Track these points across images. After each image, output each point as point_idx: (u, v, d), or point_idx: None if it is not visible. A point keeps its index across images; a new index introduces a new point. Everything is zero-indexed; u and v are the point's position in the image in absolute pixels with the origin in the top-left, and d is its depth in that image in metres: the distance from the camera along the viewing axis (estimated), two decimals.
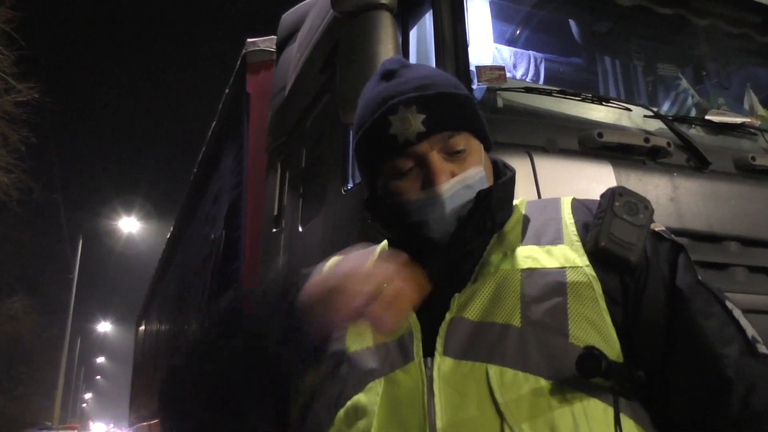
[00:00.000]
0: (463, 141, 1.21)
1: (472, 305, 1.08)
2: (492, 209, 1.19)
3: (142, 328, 16.39)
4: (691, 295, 1.11)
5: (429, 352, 1.05)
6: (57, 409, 30.14)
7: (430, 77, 1.28)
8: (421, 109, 1.19)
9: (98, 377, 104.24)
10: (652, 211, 1.18)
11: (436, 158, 1.19)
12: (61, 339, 28.76)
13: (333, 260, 1.33)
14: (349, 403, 1.06)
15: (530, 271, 1.11)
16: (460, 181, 1.19)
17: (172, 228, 11.75)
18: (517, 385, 1.00)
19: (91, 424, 75.48)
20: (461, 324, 1.06)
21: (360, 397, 1.05)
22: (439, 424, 0.97)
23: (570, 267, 1.11)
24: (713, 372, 1.04)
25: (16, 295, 25.26)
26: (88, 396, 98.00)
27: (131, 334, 21.89)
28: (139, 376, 15.91)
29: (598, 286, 1.10)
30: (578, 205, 1.24)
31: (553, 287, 1.09)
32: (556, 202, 1.27)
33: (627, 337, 1.10)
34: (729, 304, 1.12)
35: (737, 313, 1.11)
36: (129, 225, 31.48)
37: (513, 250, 1.16)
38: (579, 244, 1.15)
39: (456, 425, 0.97)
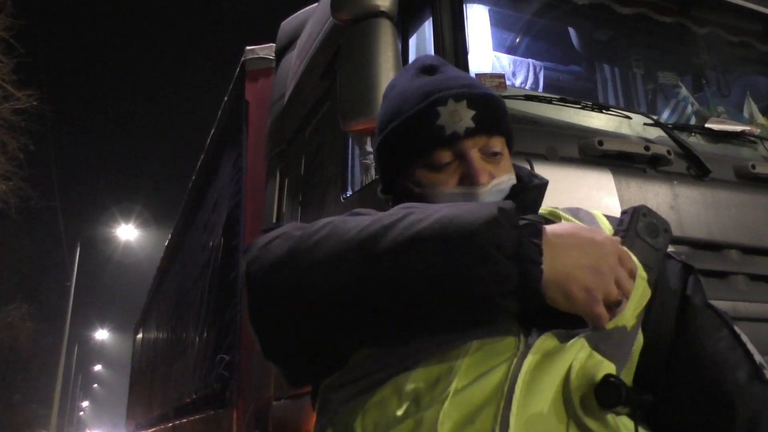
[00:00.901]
0: (500, 144, 1.23)
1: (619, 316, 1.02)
2: (525, 206, 1.17)
3: (140, 336, 16.35)
4: (699, 317, 1.11)
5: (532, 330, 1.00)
6: (54, 418, 29.96)
7: (472, 78, 1.31)
8: (471, 105, 1.20)
9: (95, 385, 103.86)
10: (671, 235, 1.17)
11: (477, 156, 1.20)
12: (59, 346, 28.60)
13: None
14: (434, 359, 0.98)
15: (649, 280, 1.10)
16: (497, 184, 1.19)
17: (170, 236, 11.74)
18: (597, 369, 0.95)
19: None
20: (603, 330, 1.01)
21: (449, 353, 0.98)
22: (519, 382, 0.93)
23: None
24: (718, 396, 1.04)
25: (14, 302, 25.21)
26: (85, 404, 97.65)
27: (129, 342, 21.85)
28: (136, 384, 15.86)
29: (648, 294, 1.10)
30: (610, 218, 1.25)
31: (647, 294, 1.09)
32: (590, 216, 1.26)
33: None
34: (737, 329, 1.12)
35: (745, 338, 1.11)
36: (127, 233, 31.36)
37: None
38: None
39: (532, 398, 0.93)
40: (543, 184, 1.28)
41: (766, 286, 2.38)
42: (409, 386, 0.97)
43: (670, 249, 1.20)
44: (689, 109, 3.00)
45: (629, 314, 1.03)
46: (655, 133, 2.57)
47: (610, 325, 0.98)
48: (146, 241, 31.81)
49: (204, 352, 6.18)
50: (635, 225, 1.13)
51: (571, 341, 0.98)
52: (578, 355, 0.96)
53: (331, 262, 1.00)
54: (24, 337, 27.46)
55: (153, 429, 11.09)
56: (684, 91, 3.07)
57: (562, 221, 1.20)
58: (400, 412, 0.96)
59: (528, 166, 2.12)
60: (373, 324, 1.01)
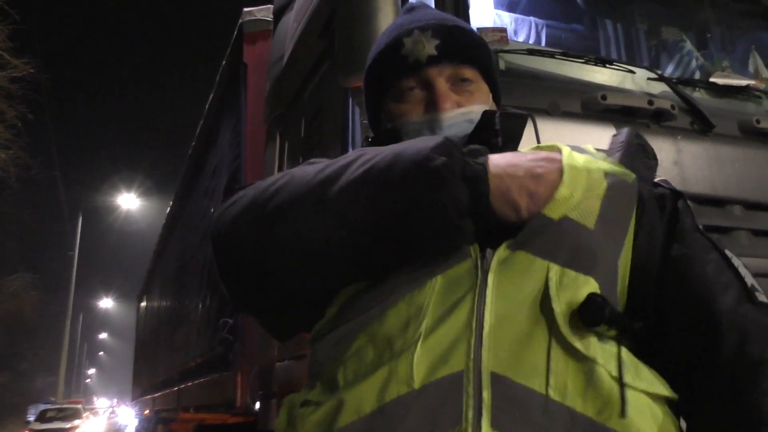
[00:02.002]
0: (471, 74, 1.24)
1: (554, 203, 1.02)
2: (498, 132, 1.18)
3: (144, 303, 16.47)
4: (688, 240, 1.10)
5: (490, 246, 1.01)
6: (61, 385, 30.39)
7: (449, 15, 1.35)
8: (436, 35, 1.22)
9: (101, 353, 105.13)
10: (657, 162, 1.18)
11: (442, 84, 1.21)
12: (63, 316, 28.91)
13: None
14: (401, 300, 1.00)
15: (614, 175, 1.08)
16: (464, 113, 1.20)
17: (171, 203, 11.74)
18: (575, 287, 0.97)
19: (95, 399, 76.23)
20: (540, 219, 1.01)
21: (415, 293, 1.00)
22: (487, 315, 0.94)
23: (633, 181, 1.09)
24: (706, 318, 1.02)
25: (17, 272, 25.36)
26: (91, 372, 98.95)
27: (133, 310, 22.01)
28: (141, 350, 16.02)
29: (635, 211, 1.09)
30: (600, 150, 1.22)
31: (627, 196, 1.08)
32: (578, 146, 1.23)
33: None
34: (728, 252, 1.10)
35: (736, 262, 1.09)
36: (129, 201, 31.46)
37: (588, 158, 1.10)
38: None
39: (504, 320, 0.94)
40: (520, 115, 1.29)
41: None
42: (382, 332, 0.99)
43: (662, 177, 1.20)
44: (693, 63, 2.97)
45: (580, 207, 1.02)
46: (658, 87, 2.54)
47: (551, 213, 1.01)
48: (148, 209, 31.93)
49: (207, 316, 6.22)
50: (631, 141, 1.16)
51: (523, 258, 0.99)
52: (550, 275, 0.97)
53: (288, 209, 1.04)
54: (29, 307, 27.70)
55: (159, 394, 11.23)
56: (688, 46, 3.04)
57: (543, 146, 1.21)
58: (375, 360, 0.97)
59: (530, 121, 2.11)
60: (339, 264, 1.05)
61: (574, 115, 2.23)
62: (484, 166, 1.01)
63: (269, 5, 5.00)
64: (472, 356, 0.91)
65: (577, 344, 0.93)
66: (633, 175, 1.10)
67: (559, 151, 1.10)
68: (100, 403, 72.70)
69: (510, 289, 0.96)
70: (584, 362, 0.92)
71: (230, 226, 1.10)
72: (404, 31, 1.24)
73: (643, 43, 3.32)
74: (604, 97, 2.27)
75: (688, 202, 2.22)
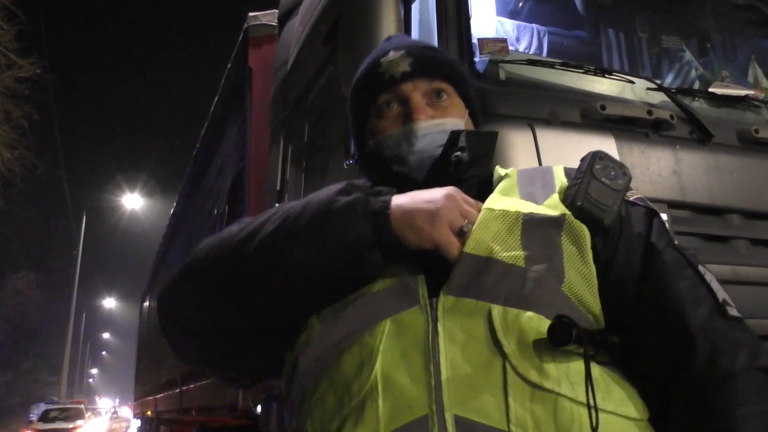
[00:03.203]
0: (445, 89, 1.31)
1: (476, 243, 1.09)
2: (464, 149, 1.24)
3: (147, 303, 16.48)
4: (663, 257, 1.14)
5: (434, 293, 1.06)
6: (63, 385, 30.40)
7: (423, 41, 1.47)
8: (410, 54, 1.30)
9: (104, 353, 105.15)
10: (630, 178, 1.21)
11: (417, 97, 1.28)
12: (67, 315, 28.93)
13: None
14: (354, 343, 1.05)
15: (531, 215, 1.13)
16: (438, 124, 1.26)
17: (175, 203, 11.77)
18: (519, 324, 1.00)
19: (97, 399, 76.26)
20: (468, 260, 1.07)
21: (366, 337, 1.05)
22: (442, 360, 0.98)
23: (568, 215, 1.14)
24: (680, 332, 1.06)
25: (21, 270, 25.41)
26: (94, 371, 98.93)
27: (136, 310, 22.03)
28: (144, 351, 16.03)
29: (588, 239, 1.13)
30: (569, 170, 1.27)
31: (552, 233, 1.11)
32: (548, 168, 1.31)
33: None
34: (701, 268, 1.15)
35: (709, 277, 1.13)
36: (133, 201, 31.53)
37: (513, 202, 1.17)
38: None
39: (459, 364, 0.97)
40: (487, 132, 1.36)
41: (767, 250, 2.39)
42: (339, 377, 1.05)
43: (638, 195, 1.23)
44: (693, 73, 2.98)
45: (505, 249, 1.08)
46: (658, 97, 2.55)
47: (477, 251, 1.07)
48: (152, 209, 32.02)
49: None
50: (591, 168, 1.18)
51: (465, 305, 1.03)
52: (494, 316, 1.01)
53: (215, 270, 1.16)
54: (33, 306, 27.75)
55: (161, 395, 11.25)
56: (688, 55, 3.05)
57: (513, 179, 1.27)
58: (337, 406, 1.02)
59: (530, 131, 2.13)
60: (270, 310, 1.15)
61: (573, 125, 2.25)
62: (386, 203, 1.10)
63: (274, 10, 5.04)
64: (434, 399, 0.95)
65: (533, 377, 0.96)
66: (564, 212, 1.14)
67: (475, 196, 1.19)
68: (103, 403, 72.78)
69: (460, 334, 1.00)
70: (543, 393, 0.95)
71: (170, 291, 1.24)
72: (380, 53, 1.33)
73: (644, 52, 3.33)
74: (603, 107, 2.28)
75: (686, 211, 2.27)
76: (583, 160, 1.22)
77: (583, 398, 0.95)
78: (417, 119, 1.25)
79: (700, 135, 2.46)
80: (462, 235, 1.09)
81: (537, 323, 1.00)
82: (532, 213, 1.13)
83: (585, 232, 1.12)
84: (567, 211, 1.14)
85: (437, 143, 1.24)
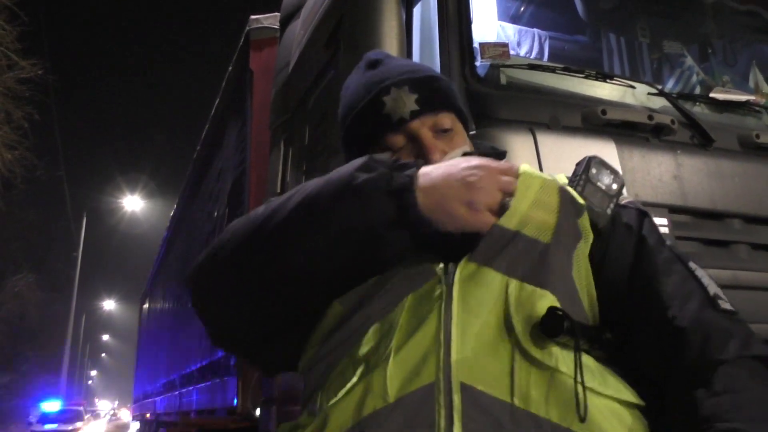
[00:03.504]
0: (450, 120, 1.29)
1: (509, 213, 1.09)
2: None
3: (146, 305, 16.49)
4: (653, 253, 1.16)
5: (453, 261, 1.07)
6: (63, 387, 30.39)
7: (415, 64, 1.42)
8: (413, 89, 1.27)
9: (103, 355, 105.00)
10: (623, 183, 1.24)
11: (428, 135, 1.26)
12: (66, 316, 28.93)
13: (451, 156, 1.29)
14: (376, 324, 1.07)
15: (566, 188, 1.16)
16: (450, 157, 1.23)
17: (175, 206, 11.78)
18: (532, 301, 1.03)
19: (96, 401, 76.20)
20: (496, 231, 1.08)
21: (389, 316, 1.06)
22: (454, 329, 1.00)
23: (582, 205, 1.17)
24: (671, 324, 1.08)
25: (21, 272, 25.39)
26: (93, 373, 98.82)
27: (136, 312, 22.03)
28: (143, 353, 16.03)
29: (591, 237, 1.16)
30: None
31: (575, 217, 1.14)
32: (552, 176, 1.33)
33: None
34: (692, 264, 1.17)
35: (700, 273, 1.16)
36: (133, 203, 31.53)
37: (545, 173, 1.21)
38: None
39: (469, 333, 0.99)
40: (496, 153, 1.35)
41: None
42: (359, 352, 1.05)
43: (629, 200, 1.26)
44: (694, 78, 2.98)
45: (535, 221, 1.09)
46: (659, 102, 2.56)
47: (508, 223, 1.07)
48: (152, 211, 32.02)
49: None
50: (587, 171, 1.22)
51: (485, 275, 1.04)
52: (510, 290, 1.03)
53: (243, 248, 1.15)
54: (33, 307, 27.71)
55: (160, 397, 11.24)
56: (689, 61, 3.06)
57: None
58: (354, 377, 1.03)
59: (531, 135, 2.13)
60: (304, 294, 1.14)
61: (574, 129, 2.25)
62: (411, 178, 1.05)
63: (276, 13, 5.05)
64: (441, 368, 0.97)
65: (538, 355, 0.99)
66: (581, 200, 1.17)
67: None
68: (102, 405, 72.71)
69: (473, 303, 1.02)
70: (546, 371, 0.98)
71: (200, 273, 1.23)
72: (381, 89, 1.27)
73: (645, 57, 3.34)
74: (604, 112, 2.28)
75: (687, 216, 2.27)
76: (578, 164, 1.25)
77: (579, 379, 0.98)
78: (432, 159, 1.22)
79: (700, 140, 2.46)
80: (502, 210, 1.07)
81: (550, 301, 1.03)
82: (565, 187, 1.16)
83: (590, 232, 1.16)
84: (584, 203, 1.17)
85: None
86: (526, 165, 1.19)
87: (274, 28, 5.20)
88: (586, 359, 1.02)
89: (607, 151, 2.22)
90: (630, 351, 1.11)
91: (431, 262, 1.09)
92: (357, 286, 1.12)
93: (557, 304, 1.03)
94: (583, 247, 1.14)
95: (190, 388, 7.47)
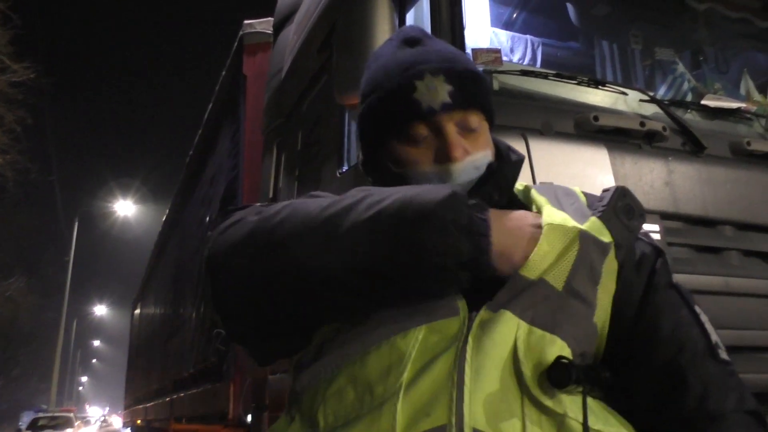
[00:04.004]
0: (477, 120, 1.23)
1: (530, 264, 1.07)
2: (499, 184, 1.21)
3: (138, 311, 16.43)
4: (661, 296, 1.15)
5: (474, 308, 1.04)
6: (53, 392, 30.18)
7: (455, 52, 1.31)
8: (449, 80, 1.20)
9: (94, 360, 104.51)
10: (644, 221, 1.21)
11: (453, 131, 1.19)
12: (58, 321, 28.76)
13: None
14: (384, 343, 1.03)
15: (585, 233, 1.11)
16: (473, 161, 1.19)
17: (168, 210, 11.75)
18: (541, 346, 1.00)
19: (87, 407, 75.80)
20: (516, 280, 1.06)
21: (398, 339, 1.02)
22: (467, 370, 0.97)
23: (612, 244, 1.13)
24: (673, 371, 1.08)
25: (12, 276, 25.27)
26: (84, 379, 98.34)
27: (127, 318, 21.93)
28: (134, 359, 15.97)
29: (616, 273, 1.13)
30: (588, 195, 1.27)
31: (597, 258, 1.11)
32: (569, 190, 1.29)
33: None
34: (697, 309, 1.16)
35: (704, 318, 1.15)
36: (125, 208, 31.40)
37: (566, 215, 1.15)
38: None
39: (483, 377, 0.97)
40: (519, 161, 1.29)
41: (759, 261, 2.40)
42: (362, 375, 1.02)
43: (642, 231, 1.23)
44: (686, 85, 3.00)
45: (555, 269, 1.07)
46: (651, 109, 2.56)
47: (528, 273, 1.05)
48: (144, 216, 31.89)
49: (201, 326, 6.22)
50: (614, 204, 1.16)
51: (500, 316, 1.02)
52: (519, 334, 1.00)
53: (293, 243, 1.05)
54: (24, 312, 27.57)
55: (151, 403, 11.19)
56: (681, 68, 3.07)
57: (532, 195, 1.24)
58: (356, 404, 1.00)
59: (523, 141, 2.13)
60: (336, 301, 1.07)
61: (566, 135, 2.26)
62: (487, 222, 1.04)
63: (269, 18, 5.05)
64: (454, 411, 0.94)
65: (548, 402, 0.96)
66: (608, 235, 1.13)
67: (540, 210, 1.16)
68: (93, 411, 72.33)
69: (488, 345, 0.99)
70: (556, 417, 0.96)
71: (230, 253, 1.11)
72: (415, 72, 1.20)
73: (637, 63, 3.35)
74: (596, 118, 2.29)
75: (679, 222, 2.28)
76: (606, 191, 1.20)
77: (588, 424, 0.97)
78: (454, 158, 1.17)
79: (692, 147, 2.47)
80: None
81: (559, 348, 1.01)
82: (586, 231, 1.11)
83: (616, 265, 1.13)
84: (611, 239, 1.13)
85: (469, 179, 1.19)
86: (546, 210, 1.15)
87: (267, 33, 5.21)
88: (590, 401, 1.01)
89: (599, 157, 2.22)
90: (625, 390, 1.10)
91: (454, 298, 1.05)
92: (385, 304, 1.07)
93: (567, 351, 1.01)
94: (608, 285, 1.11)
95: (182, 394, 7.44)
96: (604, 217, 1.14)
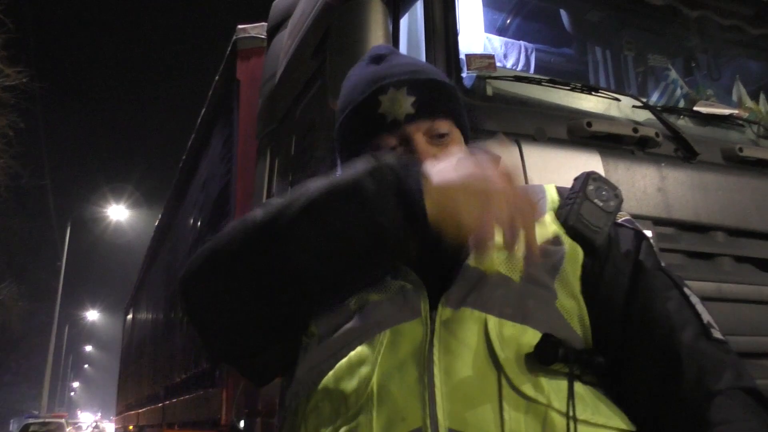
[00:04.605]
0: (447, 126, 1.25)
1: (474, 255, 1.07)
2: None
3: (130, 316, 16.37)
4: (650, 279, 1.15)
5: (434, 305, 1.05)
6: (45, 398, 30.02)
7: (419, 64, 1.35)
8: (411, 91, 1.23)
9: (86, 366, 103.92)
10: (621, 200, 1.21)
11: (421, 140, 1.22)
12: (49, 326, 28.62)
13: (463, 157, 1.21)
14: (352, 353, 1.04)
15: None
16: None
17: (161, 215, 11.72)
18: (515, 337, 1.01)
19: (78, 413, 75.40)
20: (466, 271, 1.06)
21: (364, 347, 1.03)
22: (437, 372, 0.97)
23: (563, 234, 1.14)
24: (668, 352, 1.07)
25: (4, 281, 25.15)
26: (75, 385, 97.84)
27: (119, 323, 21.86)
28: (127, 364, 15.90)
29: (581, 259, 1.14)
30: (561, 188, 1.27)
31: (551, 249, 1.11)
32: (539, 186, 1.29)
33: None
34: (687, 290, 1.16)
35: (694, 299, 1.15)
36: (118, 213, 31.33)
37: None
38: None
39: (454, 375, 0.97)
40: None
41: (751, 267, 2.41)
42: (335, 387, 1.04)
43: (626, 217, 1.24)
44: (678, 92, 3.01)
45: (507, 265, 1.08)
46: (644, 115, 2.58)
47: (479, 264, 1.05)
48: (137, 221, 31.82)
49: (193, 331, 6.19)
50: (585, 188, 1.18)
51: (463, 314, 1.02)
52: (490, 327, 1.01)
53: (243, 250, 1.10)
54: (15, 317, 27.43)
55: (143, 409, 11.14)
56: (674, 74, 3.09)
57: None
58: (333, 416, 1.02)
59: (516, 147, 2.14)
60: (297, 295, 1.10)
61: (559, 141, 2.26)
62: (419, 187, 1.00)
63: (263, 23, 5.04)
64: (428, 413, 0.94)
65: (528, 391, 0.97)
66: (557, 231, 1.14)
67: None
68: (84, 417, 71.93)
69: (454, 344, 1.00)
70: (536, 406, 0.96)
71: (194, 277, 1.16)
72: (379, 87, 1.24)
73: (630, 70, 3.37)
74: (589, 124, 2.30)
75: (671, 228, 2.28)
76: (576, 179, 1.22)
77: (569, 412, 0.97)
78: None
79: (685, 153, 2.48)
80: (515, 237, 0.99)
81: (532, 337, 1.01)
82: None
83: (579, 251, 1.14)
84: (560, 230, 1.15)
85: None
86: None
87: (261, 38, 5.21)
88: (578, 387, 1.01)
89: (592, 163, 2.23)
90: (619, 375, 1.10)
91: (416, 298, 1.07)
92: (355, 291, 1.10)
93: (539, 337, 1.01)
94: (570, 271, 1.12)
95: (174, 400, 7.41)
96: (575, 204, 1.16)
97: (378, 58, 1.33)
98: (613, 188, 1.21)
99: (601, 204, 1.17)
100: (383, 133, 1.22)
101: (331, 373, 1.05)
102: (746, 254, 2.41)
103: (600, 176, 1.21)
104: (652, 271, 1.16)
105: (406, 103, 1.22)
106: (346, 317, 1.10)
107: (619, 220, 1.22)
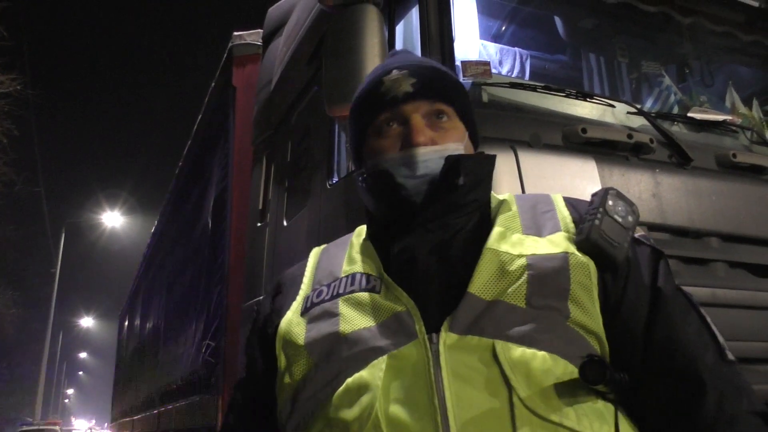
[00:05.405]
0: (447, 110, 1.28)
1: (478, 284, 1.08)
2: (462, 174, 1.21)
3: (126, 323, 16.29)
4: (670, 301, 1.16)
5: (432, 328, 1.05)
6: (39, 405, 29.83)
7: (429, 60, 1.42)
8: (413, 74, 1.27)
9: (80, 373, 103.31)
10: (638, 216, 1.22)
11: (418, 120, 1.25)
12: (43, 333, 28.46)
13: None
14: (349, 380, 1.05)
15: (534, 257, 1.12)
16: (439, 150, 1.22)
17: (156, 222, 11.69)
18: (524, 360, 1.01)
19: (73, 420, 74.95)
20: (470, 300, 1.07)
21: (362, 374, 1.04)
22: (448, 395, 0.98)
23: (571, 253, 1.14)
24: (691, 376, 1.09)
25: None
26: (70, 392, 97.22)
27: (114, 330, 21.77)
28: (122, 371, 15.82)
29: (594, 275, 1.13)
30: (570, 201, 1.27)
31: (557, 271, 1.11)
32: (547, 197, 1.30)
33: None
34: (702, 312, 1.18)
35: (709, 320, 1.17)
36: (113, 219, 31.19)
37: (516, 239, 1.17)
38: (573, 236, 1.17)
39: (466, 399, 0.98)
40: (485, 156, 1.31)
41: (745, 272, 2.42)
42: (335, 416, 1.04)
43: (642, 233, 1.24)
44: (672, 98, 3.03)
45: (509, 290, 1.09)
46: (638, 121, 2.59)
47: (483, 294, 1.07)
48: (132, 227, 31.68)
49: (190, 338, 6.18)
50: (604, 204, 1.18)
51: (470, 341, 1.03)
52: (498, 351, 1.02)
53: None
54: (9, 324, 27.27)
55: (139, 416, 11.09)
56: (667, 81, 3.10)
57: (513, 208, 1.25)
58: None
59: (512, 153, 2.15)
60: None
61: (555, 148, 2.27)
62: None
63: (259, 30, 5.06)
64: None
65: (542, 411, 0.97)
66: (567, 249, 1.14)
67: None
68: (79, 424, 71.51)
69: (464, 370, 1.01)
70: (550, 425, 0.97)
71: None
72: (384, 71, 1.29)
73: (624, 76, 3.38)
74: (584, 130, 2.31)
75: (666, 233, 2.29)
76: (595, 195, 1.23)
77: (588, 430, 0.98)
78: (417, 143, 1.21)
79: (679, 159, 2.49)
80: None
81: (541, 360, 1.02)
82: (534, 254, 1.13)
83: (591, 267, 1.13)
84: (571, 248, 1.15)
85: (437, 168, 1.21)
86: (496, 235, 1.17)
87: (257, 44, 5.21)
88: (600, 405, 1.02)
89: (587, 169, 2.24)
90: (634, 392, 1.11)
91: (410, 321, 1.08)
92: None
93: (550, 362, 1.02)
94: (582, 288, 1.12)
95: (170, 406, 7.38)
96: (596, 219, 1.16)
97: (393, 54, 1.42)
98: (630, 204, 1.21)
99: (620, 220, 1.18)
100: (382, 112, 1.26)
101: (329, 402, 1.06)
102: (740, 259, 2.42)
103: (618, 192, 1.22)
104: (671, 295, 1.17)
105: (406, 83, 1.25)
106: (338, 343, 1.11)
107: (636, 235, 1.22)
